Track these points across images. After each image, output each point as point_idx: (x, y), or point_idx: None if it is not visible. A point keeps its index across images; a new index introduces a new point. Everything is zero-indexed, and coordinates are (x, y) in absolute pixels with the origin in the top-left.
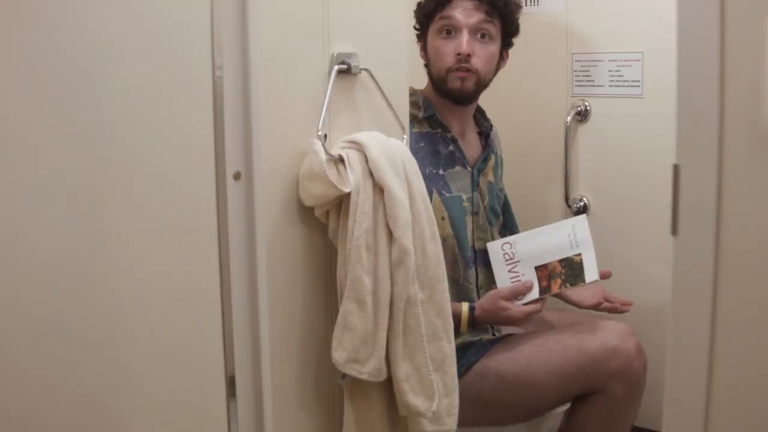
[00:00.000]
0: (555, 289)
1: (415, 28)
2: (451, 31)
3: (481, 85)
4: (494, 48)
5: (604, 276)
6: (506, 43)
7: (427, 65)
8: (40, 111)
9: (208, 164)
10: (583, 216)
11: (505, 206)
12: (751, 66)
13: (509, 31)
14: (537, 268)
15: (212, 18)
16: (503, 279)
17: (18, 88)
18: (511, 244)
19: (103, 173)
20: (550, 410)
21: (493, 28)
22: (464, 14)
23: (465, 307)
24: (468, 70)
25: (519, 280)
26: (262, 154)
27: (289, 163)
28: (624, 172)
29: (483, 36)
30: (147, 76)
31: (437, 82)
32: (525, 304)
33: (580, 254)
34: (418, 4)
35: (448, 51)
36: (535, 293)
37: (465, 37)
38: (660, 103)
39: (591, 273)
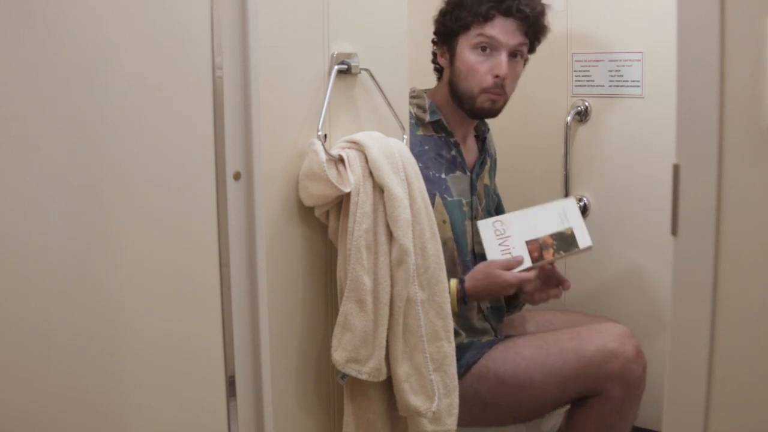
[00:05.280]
0: (548, 257)
1: (435, 33)
2: (487, 48)
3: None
4: (521, 67)
5: None
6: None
7: (438, 70)
8: (40, 111)
9: (208, 164)
10: (571, 198)
11: (498, 207)
12: (751, 66)
13: (532, 49)
14: (528, 242)
15: (212, 18)
16: (494, 253)
17: (18, 88)
18: (501, 221)
19: (103, 173)
20: (549, 412)
21: (525, 49)
22: (506, 36)
23: (453, 282)
24: (500, 93)
25: (510, 254)
26: (262, 154)
27: (288, 163)
28: (624, 172)
29: (515, 55)
30: (147, 76)
31: (464, 98)
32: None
33: (571, 228)
34: (446, 12)
35: (484, 70)
36: (527, 263)
37: (505, 58)
38: (660, 103)
39: (584, 240)
